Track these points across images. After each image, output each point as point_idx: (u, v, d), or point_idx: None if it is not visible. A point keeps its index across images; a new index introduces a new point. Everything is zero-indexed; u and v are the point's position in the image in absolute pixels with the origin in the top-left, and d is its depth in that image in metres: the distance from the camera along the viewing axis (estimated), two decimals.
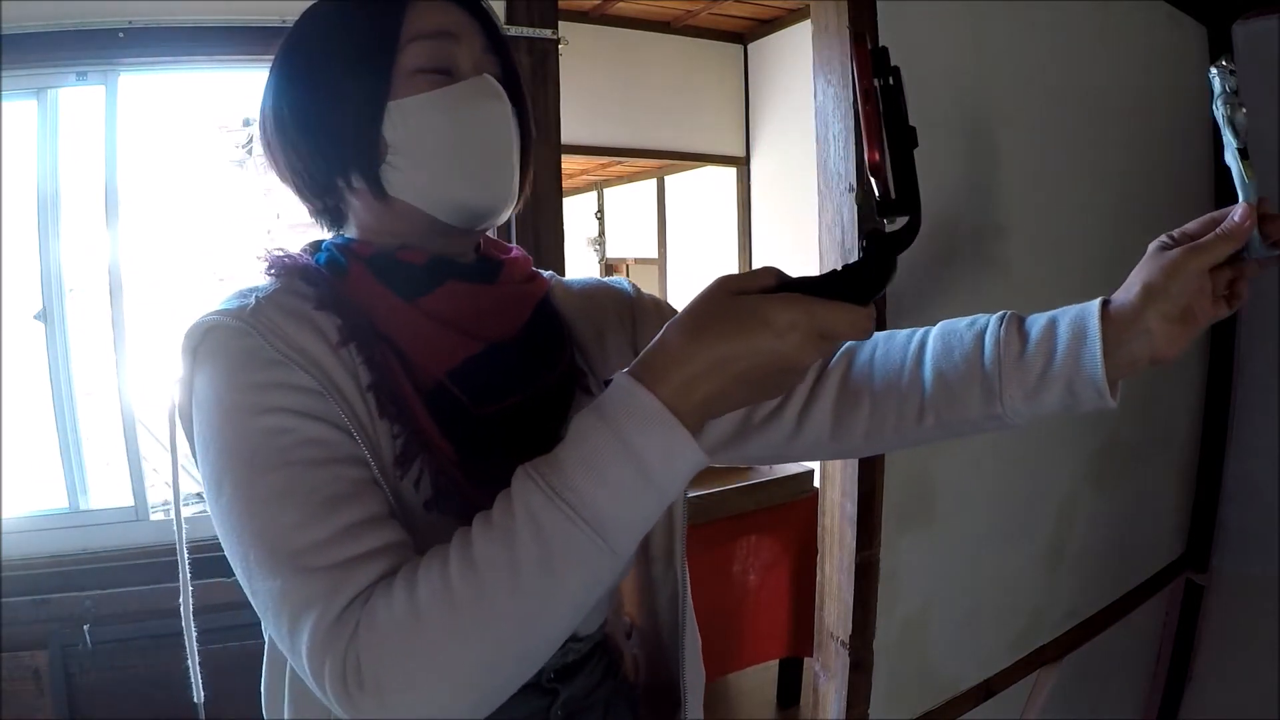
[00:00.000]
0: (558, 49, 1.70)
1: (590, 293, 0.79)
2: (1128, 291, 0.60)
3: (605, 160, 5.08)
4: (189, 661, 0.71)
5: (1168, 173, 1.83)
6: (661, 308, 0.80)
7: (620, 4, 3.74)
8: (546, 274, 0.77)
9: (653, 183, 5.49)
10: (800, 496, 2.47)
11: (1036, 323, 0.64)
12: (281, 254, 0.66)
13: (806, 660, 2.54)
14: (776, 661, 2.70)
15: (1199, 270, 0.58)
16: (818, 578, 1.45)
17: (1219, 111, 0.64)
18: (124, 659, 1.49)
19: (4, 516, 1.53)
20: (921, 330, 0.70)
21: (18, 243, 1.61)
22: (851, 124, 1.24)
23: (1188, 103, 1.86)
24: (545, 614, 0.48)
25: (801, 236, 3.73)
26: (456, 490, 0.61)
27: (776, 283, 0.50)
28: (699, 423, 0.49)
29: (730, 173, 4.42)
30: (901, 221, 0.53)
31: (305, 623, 0.49)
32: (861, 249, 0.52)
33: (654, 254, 5.49)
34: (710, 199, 4.75)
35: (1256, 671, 1.94)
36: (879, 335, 0.72)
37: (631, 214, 5.93)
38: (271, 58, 0.67)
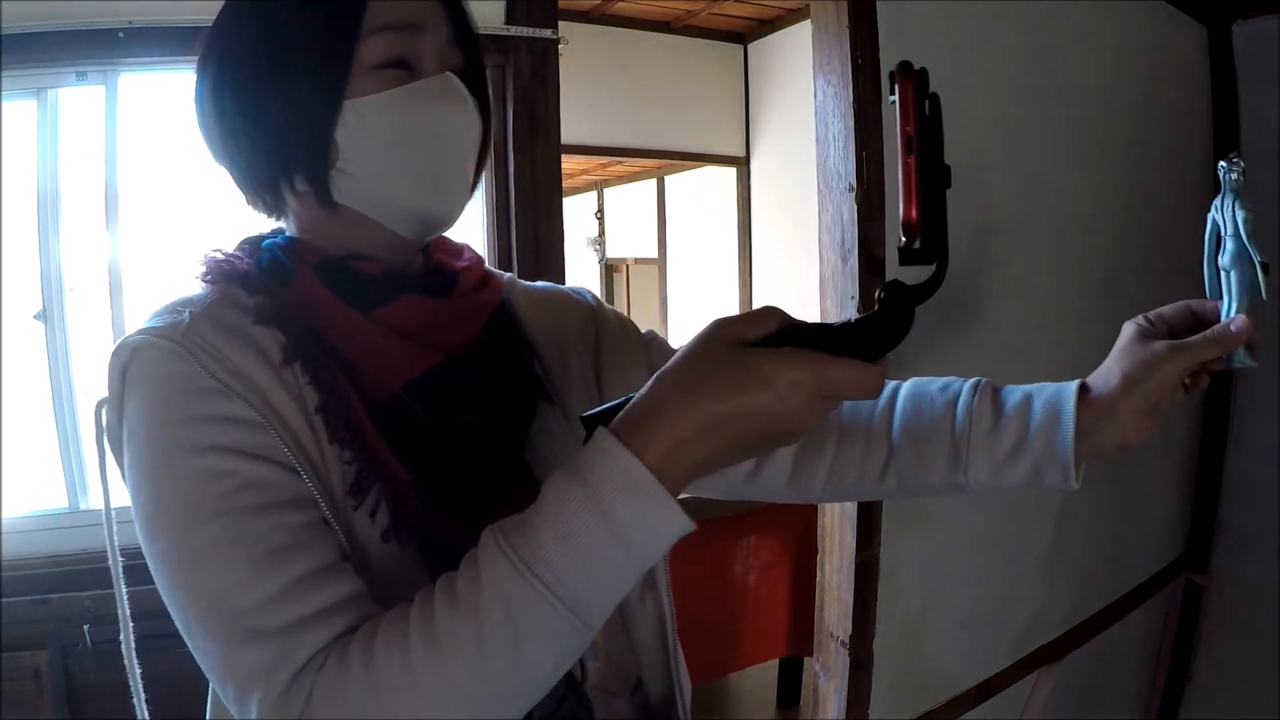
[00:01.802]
0: (558, 49, 1.70)
1: (551, 300, 0.74)
2: (1107, 381, 0.60)
3: (605, 160, 5.09)
4: (132, 688, 0.68)
5: (1167, 173, 1.83)
6: (626, 326, 0.76)
7: (620, 4, 3.75)
8: (503, 276, 0.72)
9: (653, 183, 5.49)
10: None
11: (1011, 397, 0.64)
12: (220, 257, 0.61)
13: (806, 660, 2.54)
14: (776, 661, 2.70)
15: (1183, 371, 0.59)
16: (817, 578, 1.45)
17: (1234, 214, 0.60)
18: (124, 659, 1.49)
19: (4, 516, 1.53)
20: (892, 385, 0.69)
21: (18, 243, 1.61)
22: (851, 124, 1.24)
23: (1187, 103, 1.86)
24: (512, 691, 0.46)
25: (801, 236, 3.73)
26: (415, 518, 0.57)
27: (779, 328, 0.46)
28: (685, 486, 0.46)
29: (730, 173, 4.43)
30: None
31: (253, 692, 0.46)
32: (878, 299, 0.47)
33: (654, 254, 5.49)
34: (710, 199, 4.75)
35: (1256, 671, 1.93)
36: None
37: (631, 214, 5.93)
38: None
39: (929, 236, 0.47)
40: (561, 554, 0.43)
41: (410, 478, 0.57)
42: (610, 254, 6.25)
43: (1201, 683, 2.09)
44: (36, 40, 1.41)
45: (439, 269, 0.66)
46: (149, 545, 0.50)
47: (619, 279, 6.65)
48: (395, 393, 0.58)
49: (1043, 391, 0.63)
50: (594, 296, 0.78)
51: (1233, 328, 0.59)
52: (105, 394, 0.54)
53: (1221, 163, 0.61)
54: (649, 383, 0.46)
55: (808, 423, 0.45)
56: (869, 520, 1.34)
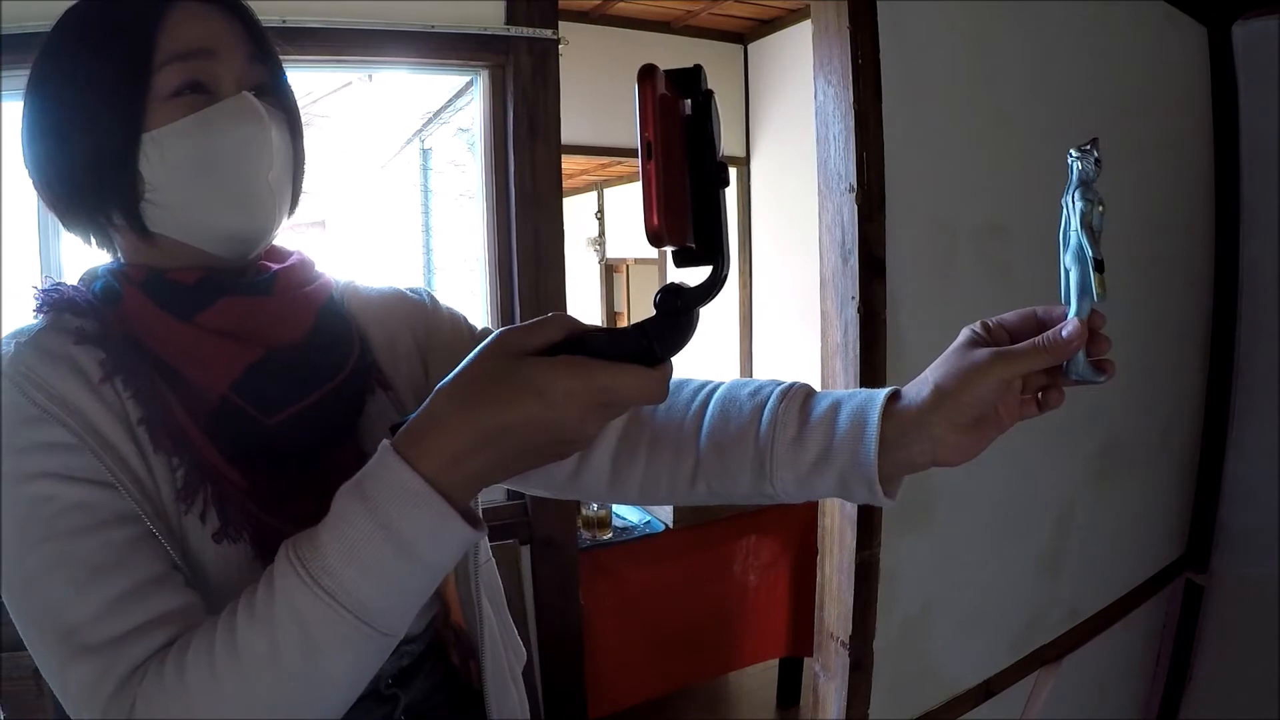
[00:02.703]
0: (558, 49, 1.70)
1: (386, 300, 0.75)
2: (920, 388, 0.56)
3: (605, 160, 5.08)
4: None
5: (1167, 173, 1.83)
6: (457, 323, 0.77)
7: (620, 4, 3.75)
8: (342, 280, 0.73)
9: None
10: None
11: (820, 405, 0.60)
12: (52, 288, 0.62)
13: (806, 660, 2.54)
14: (776, 661, 2.70)
15: (1002, 381, 0.53)
16: (818, 578, 1.45)
17: (1074, 205, 0.53)
18: None
19: None
20: (709, 387, 0.66)
21: (18, 243, 1.60)
22: (851, 124, 1.24)
23: (1187, 103, 1.86)
24: (314, 699, 0.47)
25: (801, 236, 3.73)
26: (247, 518, 0.58)
27: (564, 336, 0.46)
28: (470, 495, 0.46)
29: (730, 173, 4.42)
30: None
31: (84, 704, 0.49)
32: (655, 304, 0.46)
33: (654, 254, 5.49)
34: None
35: (1256, 671, 1.94)
36: (672, 382, 0.64)
37: (632, 214, 5.93)
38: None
39: (703, 238, 0.45)
40: (344, 565, 0.45)
41: (238, 476, 0.58)
42: (610, 254, 6.25)
43: (1201, 683, 2.09)
44: (36, 40, 1.41)
45: (259, 271, 0.67)
46: None
47: (619, 279, 6.65)
48: (223, 393, 0.59)
49: (853, 399, 0.59)
50: (430, 296, 0.78)
51: (1063, 333, 0.53)
52: None
53: (1071, 150, 0.54)
54: (431, 394, 0.47)
55: (587, 432, 0.45)
56: (869, 520, 1.34)
